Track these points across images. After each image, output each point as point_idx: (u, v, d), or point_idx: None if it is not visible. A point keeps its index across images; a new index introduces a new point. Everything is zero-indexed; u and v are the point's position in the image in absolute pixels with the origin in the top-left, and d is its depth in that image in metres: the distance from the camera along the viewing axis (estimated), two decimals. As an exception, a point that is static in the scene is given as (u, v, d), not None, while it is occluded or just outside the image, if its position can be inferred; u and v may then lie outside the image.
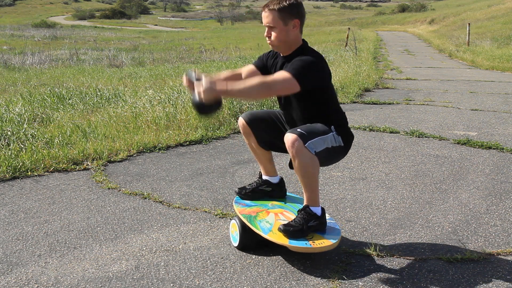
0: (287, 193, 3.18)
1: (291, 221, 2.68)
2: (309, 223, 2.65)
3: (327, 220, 2.78)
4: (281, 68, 2.73)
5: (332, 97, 2.78)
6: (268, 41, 2.72)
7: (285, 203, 3.04)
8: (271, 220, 2.78)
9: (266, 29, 2.70)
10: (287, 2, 2.63)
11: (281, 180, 3.13)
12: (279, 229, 2.64)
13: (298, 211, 2.72)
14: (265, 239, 2.72)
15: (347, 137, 2.78)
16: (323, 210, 2.74)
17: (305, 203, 2.71)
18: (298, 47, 2.70)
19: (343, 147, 2.75)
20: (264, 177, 3.09)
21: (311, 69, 2.59)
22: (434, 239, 3.00)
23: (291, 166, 2.87)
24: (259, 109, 6.44)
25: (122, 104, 6.74)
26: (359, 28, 40.87)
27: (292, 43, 2.69)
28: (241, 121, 2.97)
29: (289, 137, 2.57)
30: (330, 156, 2.74)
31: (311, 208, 2.69)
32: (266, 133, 2.93)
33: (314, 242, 2.60)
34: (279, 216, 2.83)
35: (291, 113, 2.81)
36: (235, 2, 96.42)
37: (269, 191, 3.09)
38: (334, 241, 2.63)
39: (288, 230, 2.62)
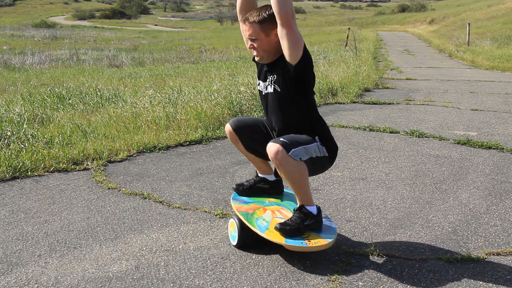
0: (284, 190, 3.20)
1: (288, 220, 2.70)
2: (305, 222, 2.67)
3: (323, 219, 2.79)
4: (265, 76, 2.76)
5: (314, 105, 2.79)
6: (254, 53, 2.74)
7: (282, 200, 3.07)
8: (268, 218, 2.80)
9: (248, 41, 2.71)
10: (267, 13, 2.63)
11: (278, 177, 3.13)
12: (276, 228, 2.66)
13: (294, 210, 2.73)
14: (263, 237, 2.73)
15: (332, 148, 2.78)
16: (319, 208, 2.75)
17: (299, 203, 2.72)
18: (281, 54, 2.68)
19: (327, 157, 2.75)
20: (261, 175, 3.11)
21: (309, 56, 2.66)
22: (434, 239, 3.00)
23: (276, 174, 2.86)
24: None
25: (122, 104, 6.74)
26: (359, 28, 40.87)
27: (276, 51, 2.70)
28: (228, 128, 2.97)
29: (271, 148, 2.57)
30: (315, 166, 2.73)
31: (307, 207, 2.70)
32: (253, 140, 2.94)
33: (310, 241, 2.62)
34: (275, 213, 2.86)
35: (274, 119, 2.79)
36: (235, 2, 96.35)
37: (266, 188, 3.10)
38: (329, 240, 2.65)
39: (285, 229, 2.64)
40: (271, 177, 3.11)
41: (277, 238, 2.63)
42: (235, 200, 3.05)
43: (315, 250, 2.64)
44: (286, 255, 2.77)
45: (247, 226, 2.78)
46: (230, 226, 2.91)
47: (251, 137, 2.93)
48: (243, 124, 2.95)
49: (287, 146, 2.56)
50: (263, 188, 3.10)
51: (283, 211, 2.89)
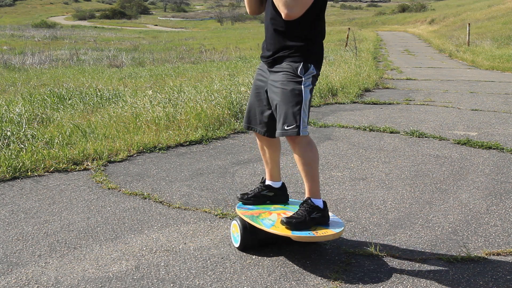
0: (290, 199, 3.13)
1: (294, 213, 2.71)
2: (312, 215, 2.67)
3: (330, 216, 2.79)
4: None
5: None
6: None
7: (287, 206, 3.02)
8: (273, 218, 2.80)
9: None
10: None
11: (283, 185, 3.09)
12: (282, 222, 2.66)
13: (300, 204, 2.74)
14: (266, 239, 2.74)
15: (318, 64, 2.75)
16: (325, 203, 2.76)
17: (306, 195, 2.74)
18: None
19: (315, 75, 2.74)
20: (267, 182, 3.05)
21: None
22: (434, 239, 3.00)
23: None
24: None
25: (122, 104, 6.74)
26: (359, 28, 40.85)
27: None
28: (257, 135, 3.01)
29: (289, 141, 2.73)
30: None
31: (313, 200, 2.71)
32: (267, 118, 2.88)
33: (317, 232, 2.62)
34: (281, 215, 2.83)
35: (271, 27, 2.73)
36: (235, 2, 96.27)
37: (271, 196, 3.05)
38: (337, 231, 2.65)
39: (291, 221, 2.64)
40: (277, 184, 3.05)
41: (284, 231, 2.63)
42: (240, 208, 2.99)
43: (322, 240, 2.65)
44: (286, 255, 2.77)
45: (249, 227, 2.77)
46: (233, 227, 2.90)
47: (262, 117, 2.88)
48: (249, 118, 2.95)
49: (296, 130, 2.63)
50: (268, 196, 3.05)
51: (288, 213, 2.85)
